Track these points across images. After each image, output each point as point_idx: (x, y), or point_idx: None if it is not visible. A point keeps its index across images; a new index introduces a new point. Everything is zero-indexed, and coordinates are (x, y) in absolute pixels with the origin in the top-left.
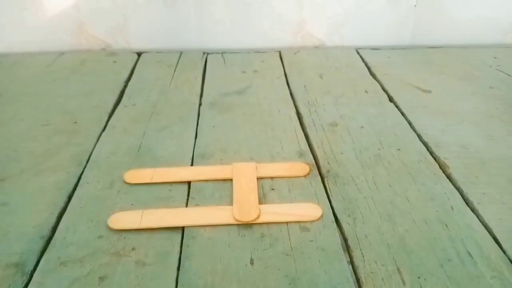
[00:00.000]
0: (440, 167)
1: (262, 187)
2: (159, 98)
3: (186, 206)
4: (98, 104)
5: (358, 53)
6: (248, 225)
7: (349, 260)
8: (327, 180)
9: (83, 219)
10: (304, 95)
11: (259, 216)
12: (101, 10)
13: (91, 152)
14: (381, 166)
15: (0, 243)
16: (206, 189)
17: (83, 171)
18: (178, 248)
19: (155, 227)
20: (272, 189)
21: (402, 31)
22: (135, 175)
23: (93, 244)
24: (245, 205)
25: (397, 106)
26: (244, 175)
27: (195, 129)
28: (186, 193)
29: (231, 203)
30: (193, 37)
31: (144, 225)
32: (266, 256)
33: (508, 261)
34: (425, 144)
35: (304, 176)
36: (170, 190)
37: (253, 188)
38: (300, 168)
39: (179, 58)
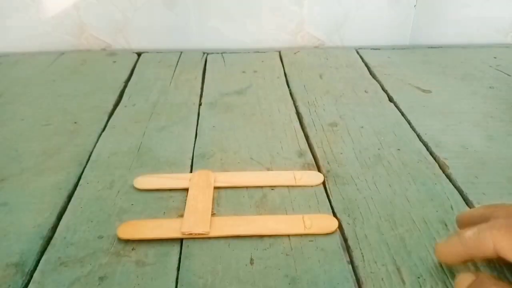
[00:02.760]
0: (440, 167)
1: (262, 188)
2: (159, 98)
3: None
4: (98, 104)
5: (358, 53)
6: None
7: (349, 260)
8: (327, 180)
9: (83, 219)
10: (304, 95)
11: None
12: (101, 10)
13: (91, 152)
14: (380, 166)
15: (0, 243)
16: None
17: (83, 171)
18: (178, 248)
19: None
20: (272, 189)
21: (402, 31)
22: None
23: (93, 244)
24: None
25: (397, 106)
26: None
27: (195, 129)
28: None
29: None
30: (193, 37)
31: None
32: (266, 256)
33: None
34: (425, 144)
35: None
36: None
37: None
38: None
39: (179, 58)
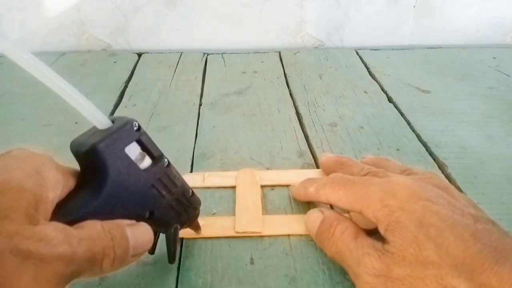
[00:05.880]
0: (439, 167)
1: (262, 187)
2: (160, 98)
3: None
4: (99, 105)
5: (357, 53)
6: None
7: None
8: None
9: None
10: (304, 95)
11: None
12: (102, 11)
13: None
14: None
15: None
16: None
17: None
18: (178, 248)
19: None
20: (272, 189)
21: (402, 32)
22: None
23: None
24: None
25: (396, 106)
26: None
27: (195, 129)
28: None
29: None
30: (193, 37)
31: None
32: (266, 256)
33: None
34: (424, 144)
35: None
36: None
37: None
38: None
39: (179, 59)
